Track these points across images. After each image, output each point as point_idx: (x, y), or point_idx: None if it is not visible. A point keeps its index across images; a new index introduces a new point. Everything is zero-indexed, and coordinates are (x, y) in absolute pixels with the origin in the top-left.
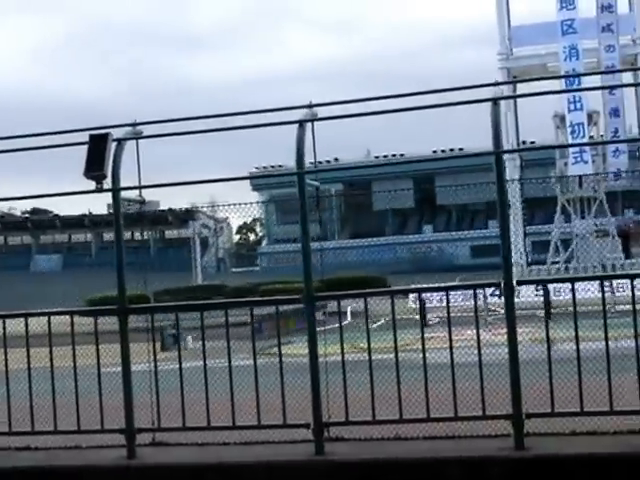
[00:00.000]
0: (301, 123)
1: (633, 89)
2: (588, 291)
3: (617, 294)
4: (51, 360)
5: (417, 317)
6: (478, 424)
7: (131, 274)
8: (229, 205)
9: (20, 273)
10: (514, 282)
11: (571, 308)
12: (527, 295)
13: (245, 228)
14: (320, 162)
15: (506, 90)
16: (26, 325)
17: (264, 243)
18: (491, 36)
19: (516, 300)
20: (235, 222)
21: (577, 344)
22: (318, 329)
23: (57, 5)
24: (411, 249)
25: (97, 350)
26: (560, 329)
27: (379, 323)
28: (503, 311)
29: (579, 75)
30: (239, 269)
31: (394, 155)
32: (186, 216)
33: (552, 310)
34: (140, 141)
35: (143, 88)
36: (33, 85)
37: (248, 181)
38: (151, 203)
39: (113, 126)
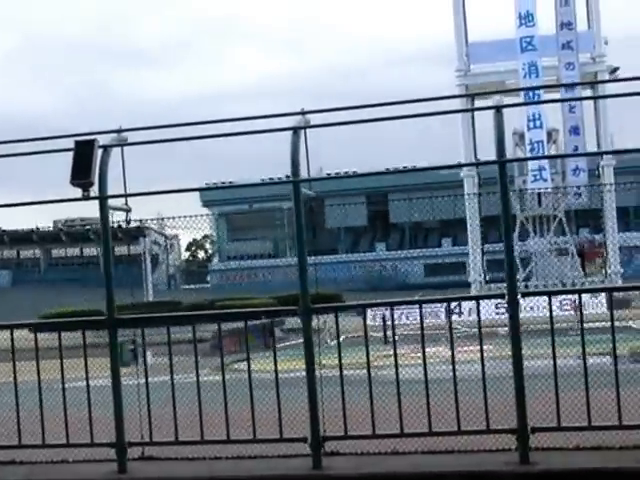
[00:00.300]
0: (295, 130)
1: (592, 108)
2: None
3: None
4: (38, 374)
5: (376, 334)
6: (477, 438)
7: (82, 290)
8: (185, 217)
9: None
10: (519, 295)
11: (532, 326)
12: (488, 313)
13: (194, 245)
14: (271, 178)
15: (463, 105)
16: (12, 338)
17: (215, 260)
18: (449, 54)
19: (476, 318)
20: (184, 239)
21: (584, 359)
22: (279, 345)
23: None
24: (365, 267)
25: (85, 364)
26: (526, 346)
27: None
28: (464, 329)
29: (539, 87)
30: (190, 286)
31: (346, 172)
32: (136, 232)
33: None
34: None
35: (85, 103)
36: None
37: (198, 198)
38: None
39: (97, 132)
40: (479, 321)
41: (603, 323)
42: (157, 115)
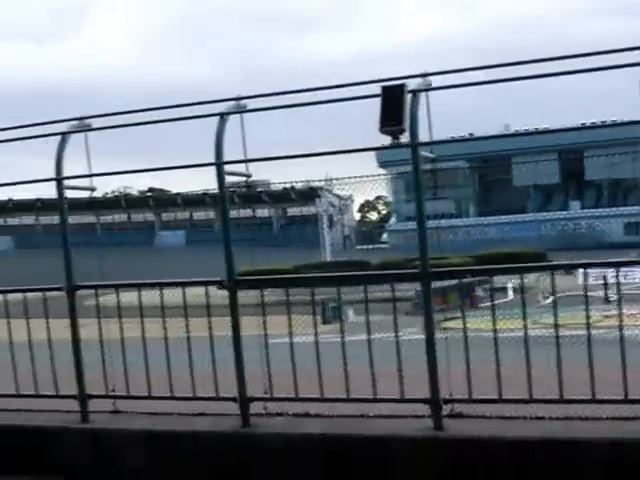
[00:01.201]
0: None
1: None
2: None
3: None
4: (265, 330)
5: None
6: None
7: (254, 250)
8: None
9: (145, 249)
10: None
11: None
12: None
13: (367, 206)
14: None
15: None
16: (263, 290)
17: (392, 220)
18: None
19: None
20: (357, 201)
21: None
22: (482, 305)
23: None
24: (557, 226)
25: (340, 321)
26: None
27: (549, 300)
28: None
29: None
30: (363, 246)
31: (536, 129)
32: (311, 193)
33: None
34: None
35: (250, 69)
36: (135, 68)
37: (374, 158)
38: (262, 182)
39: (401, 77)
40: None
41: None
42: (323, 77)
